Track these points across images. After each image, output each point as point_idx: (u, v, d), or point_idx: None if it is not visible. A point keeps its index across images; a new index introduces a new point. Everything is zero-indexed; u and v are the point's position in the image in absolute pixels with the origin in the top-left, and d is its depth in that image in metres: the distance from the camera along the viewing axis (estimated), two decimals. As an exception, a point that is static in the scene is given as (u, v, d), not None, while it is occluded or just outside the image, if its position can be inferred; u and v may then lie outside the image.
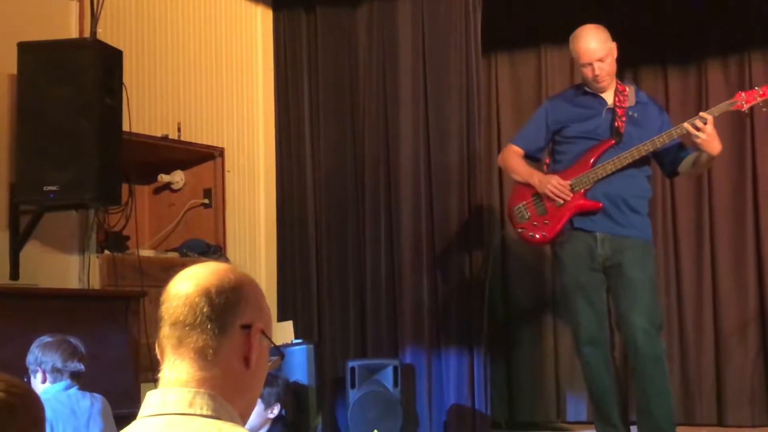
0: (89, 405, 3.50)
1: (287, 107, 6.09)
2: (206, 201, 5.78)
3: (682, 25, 5.86)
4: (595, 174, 4.27)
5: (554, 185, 4.31)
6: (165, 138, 5.40)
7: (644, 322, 4.18)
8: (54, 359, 3.47)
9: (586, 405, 5.71)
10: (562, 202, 4.31)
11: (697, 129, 4.09)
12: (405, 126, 5.76)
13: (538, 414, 5.96)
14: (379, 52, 5.88)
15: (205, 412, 1.42)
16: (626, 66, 4.54)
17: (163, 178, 5.79)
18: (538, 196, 4.39)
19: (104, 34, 4.86)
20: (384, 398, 5.16)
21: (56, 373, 3.47)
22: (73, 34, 4.96)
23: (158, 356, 1.51)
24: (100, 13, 4.85)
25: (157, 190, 5.89)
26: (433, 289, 5.62)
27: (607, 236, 4.27)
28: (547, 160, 4.57)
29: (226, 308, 1.47)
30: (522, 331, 6.06)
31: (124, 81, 4.68)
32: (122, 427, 1.47)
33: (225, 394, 1.46)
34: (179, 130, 5.49)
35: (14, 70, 4.54)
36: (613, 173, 4.25)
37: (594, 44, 4.27)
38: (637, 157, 4.23)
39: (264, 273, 5.88)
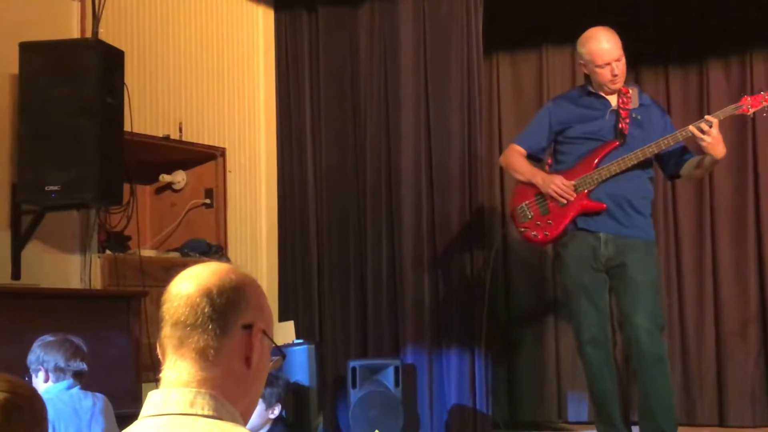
0: (91, 405, 3.50)
1: (288, 107, 6.09)
2: (207, 201, 5.79)
3: (683, 26, 5.86)
4: (599, 175, 4.27)
5: (558, 185, 4.31)
6: (166, 138, 5.40)
7: (647, 322, 4.18)
8: (57, 358, 3.47)
9: (587, 405, 5.70)
10: (565, 202, 4.31)
11: (703, 132, 4.09)
12: (406, 126, 5.76)
13: (539, 414, 5.96)
14: (381, 52, 5.88)
15: (206, 413, 1.42)
16: (628, 67, 4.52)
17: (165, 178, 5.79)
18: (541, 196, 4.39)
19: (106, 34, 4.86)
20: (385, 398, 5.16)
21: (59, 372, 3.47)
22: (75, 34, 4.97)
23: (159, 356, 1.51)
24: (101, 13, 4.85)
25: (159, 190, 5.90)
26: (434, 288, 5.62)
27: (611, 237, 4.27)
28: (549, 161, 4.57)
29: (227, 308, 1.47)
30: (523, 332, 6.06)
31: (125, 81, 4.69)
32: (124, 427, 1.48)
33: (226, 394, 1.46)
34: (181, 130, 5.50)
35: (16, 70, 4.54)
36: (617, 174, 4.25)
37: (610, 44, 4.27)
38: (641, 159, 4.23)
39: (265, 273, 5.88)
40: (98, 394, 3.57)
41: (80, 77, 4.45)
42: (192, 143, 5.60)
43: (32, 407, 1.67)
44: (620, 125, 4.31)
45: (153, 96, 5.35)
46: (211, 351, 1.46)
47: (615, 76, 4.29)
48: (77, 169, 4.40)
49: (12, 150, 4.61)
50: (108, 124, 4.52)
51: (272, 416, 3.91)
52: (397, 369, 5.22)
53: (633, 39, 4.94)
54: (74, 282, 4.88)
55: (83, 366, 3.51)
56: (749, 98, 4.23)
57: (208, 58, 5.72)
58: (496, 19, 5.76)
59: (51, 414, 3.17)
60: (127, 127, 4.73)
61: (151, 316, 4.60)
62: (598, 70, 4.31)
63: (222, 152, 5.78)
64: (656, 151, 4.25)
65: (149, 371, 4.41)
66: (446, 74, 5.70)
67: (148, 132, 5.27)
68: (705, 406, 5.66)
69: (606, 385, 4.33)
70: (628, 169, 4.25)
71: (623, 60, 4.31)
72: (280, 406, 3.91)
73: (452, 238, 5.66)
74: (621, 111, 4.33)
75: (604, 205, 4.27)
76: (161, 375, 1.49)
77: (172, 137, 5.44)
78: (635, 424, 4.39)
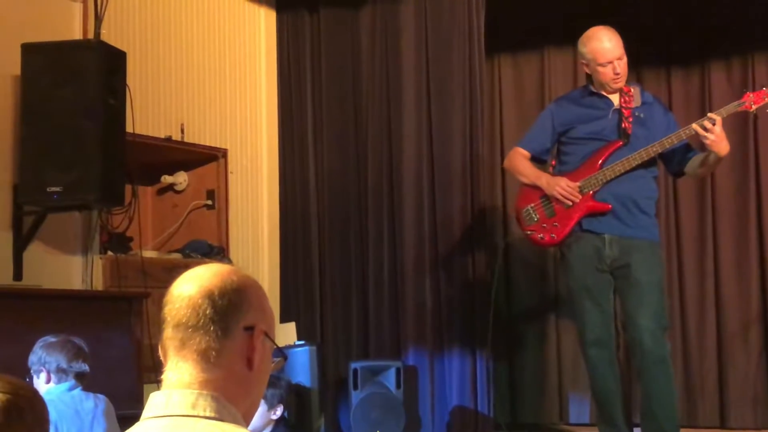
0: (93, 406, 3.50)
1: (290, 108, 6.09)
2: (209, 202, 5.79)
3: (685, 27, 5.86)
4: (603, 176, 4.27)
5: (563, 187, 4.31)
6: (168, 139, 5.41)
7: (651, 323, 4.19)
8: (59, 359, 3.47)
9: (588, 407, 5.71)
10: (570, 204, 4.31)
11: (706, 130, 4.09)
12: (408, 127, 5.76)
13: (540, 416, 5.95)
14: (382, 53, 5.88)
15: (208, 414, 1.42)
16: (629, 68, 4.53)
17: (166, 179, 5.79)
18: (547, 198, 4.39)
19: (108, 36, 4.87)
20: (386, 400, 5.16)
21: (61, 373, 3.47)
22: (77, 35, 4.97)
23: (161, 358, 1.51)
24: (103, 14, 4.85)
25: (160, 191, 5.90)
26: (435, 290, 5.62)
27: (615, 238, 4.27)
28: (553, 162, 4.57)
29: (229, 310, 1.48)
30: (524, 333, 6.06)
31: (127, 82, 4.69)
32: (125, 429, 1.48)
33: (228, 395, 1.46)
34: (182, 131, 5.50)
35: (18, 71, 4.55)
36: (621, 175, 4.25)
37: (612, 43, 4.27)
38: (645, 159, 4.23)
39: (267, 274, 5.88)
40: (100, 396, 3.57)
41: (82, 78, 4.45)
42: (194, 144, 5.60)
43: (34, 408, 1.67)
44: (623, 125, 4.31)
45: (155, 97, 5.36)
46: (213, 352, 1.46)
47: (617, 74, 4.29)
48: (79, 170, 4.40)
49: (14, 151, 4.61)
50: (110, 125, 4.52)
51: (274, 417, 3.91)
52: (398, 370, 5.22)
53: (634, 40, 4.95)
54: (76, 283, 4.88)
55: (85, 367, 3.51)
56: (751, 95, 4.23)
57: (210, 59, 5.72)
58: (498, 20, 5.76)
59: (53, 415, 3.18)
60: (128, 128, 4.73)
61: (152, 317, 4.61)
62: (600, 69, 4.31)
63: (224, 153, 5.78)
64: (660, 151, 4.26)
65: (150, 372, 4.42)
66: (448, 75, 5.71)
67: (150, 133, 5.27)
68: (706, 408, 5.65)
69: (609, 386, 4.33)
70: (633, 169, 4.25)
71: (625, 59, 4.31)
72: (282, 407, 3.91)
73: (454, 239, 5.66)
74: (623, 110, 4.33)
75: (609, 206, 4.27)
76: (163, 376, 1.49)
77: (173, 138, 5.44)
78: (638, 425, 4.39)
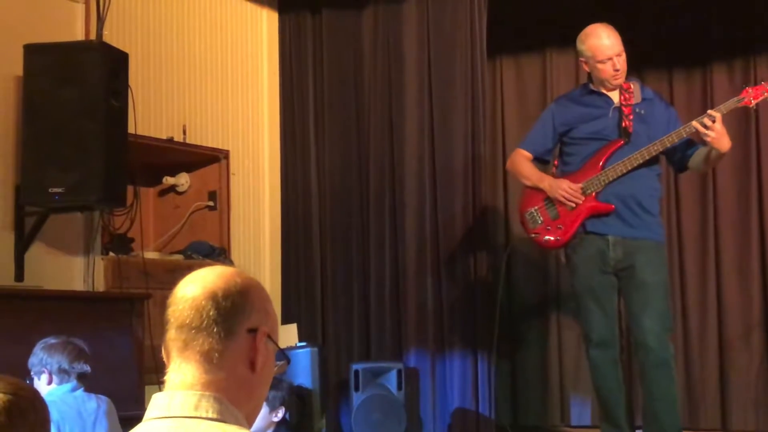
0: (95, 407, 3.50)
1: (292, 110, 6.09)
2: (211, 203, 5.78)
3: (686, 27, 5.86)
4: (606, 176, 4.27)
5: (565, 189, 4.30)
6: (170, 140, 5.41)
7: (656, 325, 4.19)
8: (60, 360, 3.47)
9: (590, 409, 5.70)
10: (574, 205, 4.31)
11: (706, 127, 4.09)
12: (410, 129, 5.76)
13: (542, 417, 5.95)
14: (385, 54, 5.88)
15: (210, 415, 1.42)
16: (631, 69, 4.54)
17: (168, 180, 5.79)
18: (550, 200, 4.38)
19: (110, 37, 4.87)
20: (388, 401, 5.16)
21: (63, 374, 3.47)
22: (79, 36, 4.97)
23: (164, 359, 1.51)
24: (106, 15, 4.85)
25: (162, 193, 5.90)
26: (437, 292, 5.62)
27: (619, 239, 4.27)
28: (555, 162, 4.57)
29: (232, 312, 1.48)
30: (526, 335, 6.05)
31: (129, 83, 4.68)
32: (127, 430, 1.48)
33: (231, 397, 1.46)
34: (184, 132, 5.50)
35: (20, 72, 4.55)
36: (623, 174, 4.25)
37: (610, 39, 4.27)
38: (647, 158, 4.23)
39: (268, 275, 5.88)
40: (102, 396, 3.57)
41: (84, 79, 4.45)
42: (196, 145, 5.60)
43: (35, 409, 1.67)
44: (624, 123, 4.31)
45: (157, 98, 5.36)
46: (216, 354, 1.46)
47: (617, 71, 4.29)
48: (81, 171, 4.40)
49: (16, 152, 4.61)
50: (112, 126, 4.52)
51: (276, 419, 3.91)
52: (399, 372, 5.21)
53: (636, 41, 4.95)
54: (77, 284, 4.88)
55: (87, 368, 3.51)
56: (751, 90, 4.23)
57: (212, 61, 5.72)
58: (500, 22, 5.75)
59: (55, 416, 3.18)
60: (131, 129, 4.73)
61: (154, 318, 4.61)
62: (599, 65, 4.31)
63: (225, 155, 5.78)
64: (661, 149, 4.25)
65: (152, 373, 4.41)
66: (450, 77, 5.70)
67: (152, 134, 5.27)
68: (708, 411, 5.64)
69: (612, 388, 4.33)
70: (635, 168, 4.25)
71: (624, 55, 4.31)
72: (283, 409, 3.91)
73: (455, 240, 5.65)
74: (624, 107, 4.33)
75: (613, 207, 4.26)
76: (166, 377, 1.49)
77: (175, 139, 5.44)
78: (639, 428, 4.39)
